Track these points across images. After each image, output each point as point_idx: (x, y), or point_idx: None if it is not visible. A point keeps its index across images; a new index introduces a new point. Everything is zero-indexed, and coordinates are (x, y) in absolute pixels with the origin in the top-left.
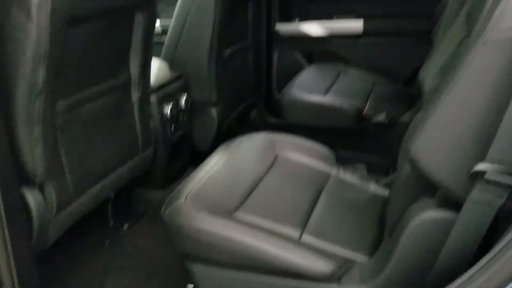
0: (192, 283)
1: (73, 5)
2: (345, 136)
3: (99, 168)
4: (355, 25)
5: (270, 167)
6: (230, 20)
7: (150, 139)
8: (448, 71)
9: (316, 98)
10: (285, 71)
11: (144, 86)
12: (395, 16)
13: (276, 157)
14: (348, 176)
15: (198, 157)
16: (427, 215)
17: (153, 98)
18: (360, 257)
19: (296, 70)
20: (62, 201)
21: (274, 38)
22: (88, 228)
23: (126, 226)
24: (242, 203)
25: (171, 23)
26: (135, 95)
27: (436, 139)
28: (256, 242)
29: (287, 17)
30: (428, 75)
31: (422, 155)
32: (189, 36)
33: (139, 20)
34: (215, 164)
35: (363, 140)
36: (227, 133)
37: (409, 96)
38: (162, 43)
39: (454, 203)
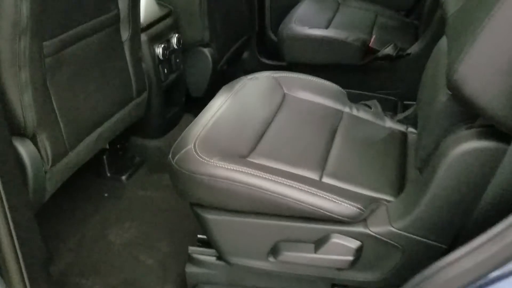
0: (204, 234)
1: None
2: (351, 72)
3: (93, 115)
4: None
5: (279, 107)
6: None
7: (144, 83)
8: None
9: (318, 32)
10: (279, 7)
11: (134, 23)
12: None
13: (284, 96)
14: (362, 112)
15: (193, 104)
16: (469, 146)
17: (143, 37)
18: (386, 197)
19: (290, 5)
20: (57, 152)
21: None
22: (85, 181)
23: (124, 177)
24: (254, 146)
25: None
26: (125, 34)
27: (485, 64)
28: (275, 187)
29: None
30: None
31: (468, 81)
32: None
33: None
34: (219, 107)
35: (370, 75)
36: (221, 76)
37: (413, 26)
38: None
39: (498, 133)
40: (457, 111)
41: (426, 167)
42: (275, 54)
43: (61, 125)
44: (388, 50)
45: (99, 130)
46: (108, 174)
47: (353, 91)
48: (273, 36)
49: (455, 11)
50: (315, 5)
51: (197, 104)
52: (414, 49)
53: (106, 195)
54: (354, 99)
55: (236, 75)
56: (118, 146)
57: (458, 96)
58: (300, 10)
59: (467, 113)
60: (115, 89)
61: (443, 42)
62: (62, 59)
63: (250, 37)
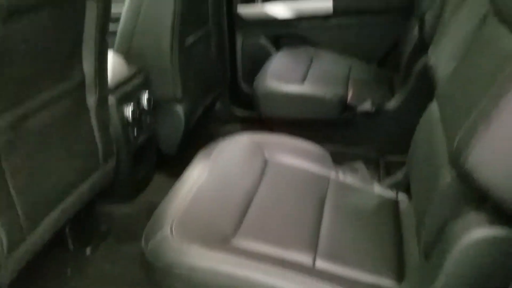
0: None
1: None
2: (330, 127)
3: (55, 190)
4: (323, 5)
5: (262, 175)
6: (191, 3)
7: (111, 149)
8: (476, 59)
9: (295, 88)
10: (251, 58)
11: (101, 87)
12: None
13: (266, 163)
14: (348, 178)
15: (164, 162)
16: (482, 232)
17: (111, 100)
18: (386, 282)
19: (262, 56)
20: (13, 240)
21: (236, 22)
22: (45, 257)
23: (88, 249)
24: (238, 226)
25: (124, 9)
26: (91, 99)
27: (501, 152)
28: (263, 277)
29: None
30: (440, 60)
31: (482, 171)
32: (147, 24)
33: (91, 7)
34: (197, 179)
35: (349, 131)
36: (193, 131)
37: (388, 78)
38: (113, 33)
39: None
40: (464, 191)
41: (432, 252)
42: (248, 105)
43: (18, 208)
44: (366, 106)
45: (61, 206)
46: (71, 247)
47: (332, 146)
48: (245, 87)
49: (447, 75)
50: (289, 59)
51: (169, 162)
52: (392, 104)
53: (68, 272)
54: (335, 156)
55: (209, 127)
56: (82, 214)
57: (468, 182)
58: (274, 64)
59: (476, 193)
60: (80, 158)
61: (434, 106)
62: (19, 134)
63: (222, 88)
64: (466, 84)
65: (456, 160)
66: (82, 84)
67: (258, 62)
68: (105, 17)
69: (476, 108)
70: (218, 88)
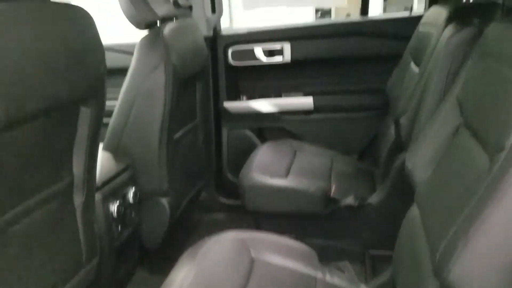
0: None
1: (8, 108)
2: (314, 222)
3: None
4: (305, 101)
5: (249, 276)
6: (180, 101)
7: (95, 248)
8: (451, 170)
9: (279, 182)
10: (236, 149)
11: (89, 187)
12: (344, 92)
13: (252, 262)
14: (336, 278)
15: (147, 256)
16: None
17: (97, 197)
18: None
19: (247, 147)
20: None
21: (222, 115)
22: None
23: None
24: None
25: (116, 107)
26: (78, 199)
27: (483, 265)
28: None
29: (235, 96)
30: (417, 165)
31: (465, 283)
32: (138, 121)
33: (85, 113)
34: (182, 283)
35: (333, 225)
36: (177, 220)
37: (369, 173)
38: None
39: None
40: None
41: None
42: (233, 193)
43: None
44: (349, 200)
45: None
46: None
47: (317, 240)
48: (230, 176)
49: (425, 182)
50: (273, 152)
51: (151, 256)
52: (374, 199)
53: None
54: (320, 250)
55: (193, 216)
56: None
57: None
58: (259, 158)
59: None
60: (63, 260)
61: (415, 211)
62: (2, 240)
63: (207, 178)
64: (444, 195)
65: (440, 272)
66: (70, 186)
67: (243, 152)
68: (98, 122)
69: (455, 223)
70: (204, 178)
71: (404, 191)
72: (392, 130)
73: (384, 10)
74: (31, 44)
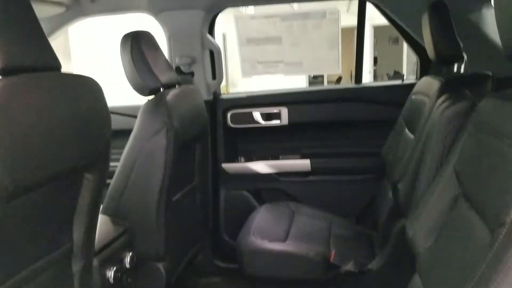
0: None
1: (15, 180)
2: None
3: None
4: (302, 163)
5: None
6: (179, 163)
7: None
8: (452, 242)
9: (277, 246)
10: (233, 211)
11: (88, 253)
12: (340, 155)
13: None
14: None
15: None
16: None
17: (94, 262)
18: None
19: (244, 209)
20: None
21: (220, 177)
22: None
23: None
24: None
25: (117, 170)
26: (76, 266)
27: None
28: None
29: (233, 158)
30: (418, 234)
31: None
32: (137, 184)
33: (88, 180)
34: None
35: None
36: (173, 286)
37: (368, 236)
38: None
39: None
40: None
41: None
42: (230, 257)
43: None
44: (349, 266)
45: None
46: None
47: None
48: (227, 239)
49: (426, 251)
50: (271, 215)
51: None
52: (374, 265)
53: None
54: None
55: (189, 280)
56: None
57: None
58: (257, 221)
59: None
60: None
61: (417, 280)
62: None
63: (204, 240)
64: (446, 267)
65: None
66: (69, 252)
67: (240, 214)
68: (100, 188)
69: None
70: (200, 241)
71: (404, 258)
72: (390, 194)
73: (374, 74)
74: (42, 116)
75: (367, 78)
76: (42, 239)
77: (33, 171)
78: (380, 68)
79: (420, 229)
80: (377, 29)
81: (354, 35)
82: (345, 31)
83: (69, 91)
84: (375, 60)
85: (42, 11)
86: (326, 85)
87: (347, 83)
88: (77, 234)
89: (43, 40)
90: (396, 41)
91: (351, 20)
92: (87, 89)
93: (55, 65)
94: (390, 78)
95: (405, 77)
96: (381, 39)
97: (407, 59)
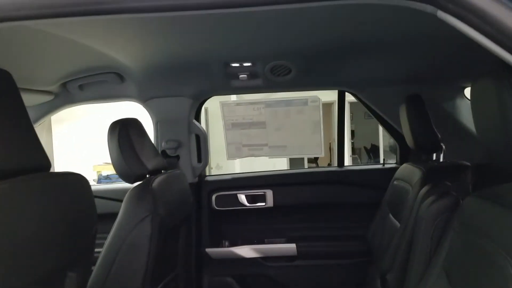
0: None
1: None
2: None
3: None
4: (288, 247)
5: None
6: (163, 249)
7: None
8: None
9: None
10: None
11: None
12: (326, 238)
13: None
14: None
15: None
16: None
17: None
18: None
19: None
20: None
21: (204, 261)
22: None
23: None
24: None
25: (99, 259)
26: None
27: None
28: None
29: (217, 241)
30: None
31: None
32: (119, 273)
33: (71, 278)
34: None
35: None
36: None
37: None
38: None
39: None
40: None
41: None
42: None
43: None
44: None
45: None
46: None
47: None
48: None
49: None
50: None
51: None
52: None
53: None
54: None
55: None
56: None
57: None
58: None
59: None
60: None
61: None
62: None
63: None
64: None
65: None
66: None
67: None
68: (83, 286)
69: None
70: None
71: None
72: (378, 284)
73: (352, 146)
74: (29, 219)
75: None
76: None
77: (14, 277)
78: (358, 141)
79: None
80: (353, 105)
81: (330, 109)
82: (323, 106)
83: (57, 192)
84: (352, 133)
85: (30, 100)
86: (310, 168)
87: (325, 154)
88: None
89: (35, 141)
90: (371, 115)
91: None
92: (75, 188)
93: (46, 165)
94: (367, 151)
95: (381, 149)
96: (357, 114)
97: (383, 133)
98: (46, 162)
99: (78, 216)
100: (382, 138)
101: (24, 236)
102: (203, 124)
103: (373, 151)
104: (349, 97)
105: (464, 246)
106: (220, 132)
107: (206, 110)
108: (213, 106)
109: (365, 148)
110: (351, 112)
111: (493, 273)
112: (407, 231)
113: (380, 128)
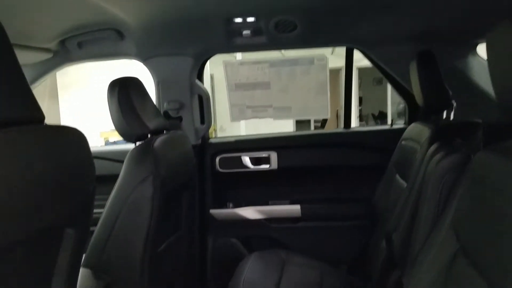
0: None
1: None
2: None
3: None
4: (292, 209)
5: None
6: (166, 212)
7: None
8: None
9: None
10: (221, 259)
11: None
12: (331, 200)
13: None
14: None
15: None
16: None
17: None
18: None
19: (232, 257)
20: None
21: (208, 223)
22: None
23: None
24: None
25: (101, 220)
26: None
27: None
28: None
29: (221, 203)
30: None
31: None
32: (121, 236)
33: (69, 235)
34: None
35: None
36: None
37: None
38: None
39: None
40: None
41: None
42: None
43: None
44: None
45: None
46: None
47: None
48: None
49: None
50: (261, 264)
51: None
52: None
53: None
54: None
55: None
56: None
57: None
58: (247, 272)
59: None
60: None
61: None
62: None
63: None
64: None
65: None
66: None
67: (229, 263)
68: (81, 244)
69: None
70: None
71: None
72: (383, 244)
73: (360, 114)
74: (23, 172)
75: (354, 117)
76: None
77: (8, 233)
78: (366, 108)
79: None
80: (361, 71)
81: (338, 76)
82: (330, 72)
83: (53, 145)
84: (360, 100)
85: (28, 58)
86: (315, 130)
87: (332, 122)
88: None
89: (27, 92)
90: (380, 82)
91: (335, 62)
92: (71, 141)
93: (39, 117)
94: (375, 118)
95: (389, 116)
96: (366, 80)
97: (391, 100)
98: (39, 114)
99: (75, 172)
100: (391, 106)
101: (19, 188)
102: (209, 91)
103: (380, 118)
104: (357, 63)
105: (475, 202)
106: (226, 97)
107: (212, 76)
108: (219, 73)
109: (372, 115)
110: (360, 78)
111: (505, 229)
112: (414, 190)
113: (389, 94)
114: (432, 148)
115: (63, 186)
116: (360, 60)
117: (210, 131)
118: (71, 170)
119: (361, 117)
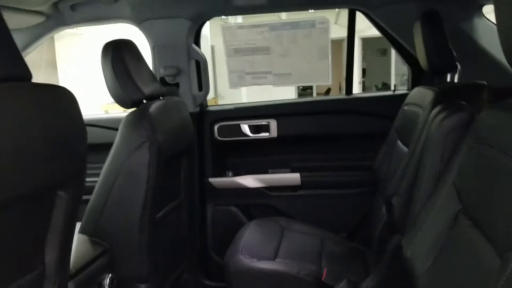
0: None
1: None
2: None
3: None
4: (292, 177)
5: None
6: (163, 179)
7: None
8: (453, 262)
9: (267, 265)
10: (221, 227)
11: (62, 276)
12: (331, 168)
13: None
14: None
15: None
16: None
17: (70, 286)
18: None
19: (232, 225)
20: None
21: (208, 192)
22: None
23: None
24: None
25: (97, 186)
26: None
27: None
28: None
29: (220, 172)
30: (416, 254)
31: None
32: (118, 201)
33: (61, 198)
34: None
35: None
36: None
37: (360, 253)
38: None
39: None
40: None
41: None
42: (217, 275)
43: None
44: (342, 285)
45: None
46: None
47: None
48: (215, 257)
49: (425, 273)
50: (260, 231)
51: None
52: (368, 283)
53: None
54: None
55: None
56: None
57: None
58: (246, 238)
59: None
60: None
61: None
62: None
63: (191, 258)
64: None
65: None
66: (41, 276)
67: (228, 230)
68: (74, 207)
69: None
70: (187, 259)
71: (399, 277)
72: (383, 210)
73: (363, 85)
74: (11, 130)
75: (357, 89)
76: (9, 264)
77: (2, 188)
78: (369, 80)
79: (418, 249)
80: (365, 41)
81: (342, 47)
82: (333, 43)
83: (41, 102)
84: (364, 71)
85: (21, 21)
86: (315, 97)
87: (335, 93)
88: (50, 257)
89: (12, 49)
90: (384, 53)
91: (339, 32)
92: (60, 100)
93: (26, 75)
94: (378, 90)
95: (393, 88)
96: (369, 51)
97: (395, 71)
98: (27, 73)
99: (66, 132)
100: (394, 78)
101: (6, 149)
102: (209, 63)
103: (384, 90)
104: (361, 33)
105: (479, 160)
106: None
107: (213, 48)
108: (221, 43)
109: (376, 86)
110: (363, 49)
111: (510, 188)
112: (415, 154)
113: (393, 66)
114: (435, 110)
115: (54, 147)
116: (364, 30)
117: (211, 104)
118: (61, 130)
119: (364, 89)
